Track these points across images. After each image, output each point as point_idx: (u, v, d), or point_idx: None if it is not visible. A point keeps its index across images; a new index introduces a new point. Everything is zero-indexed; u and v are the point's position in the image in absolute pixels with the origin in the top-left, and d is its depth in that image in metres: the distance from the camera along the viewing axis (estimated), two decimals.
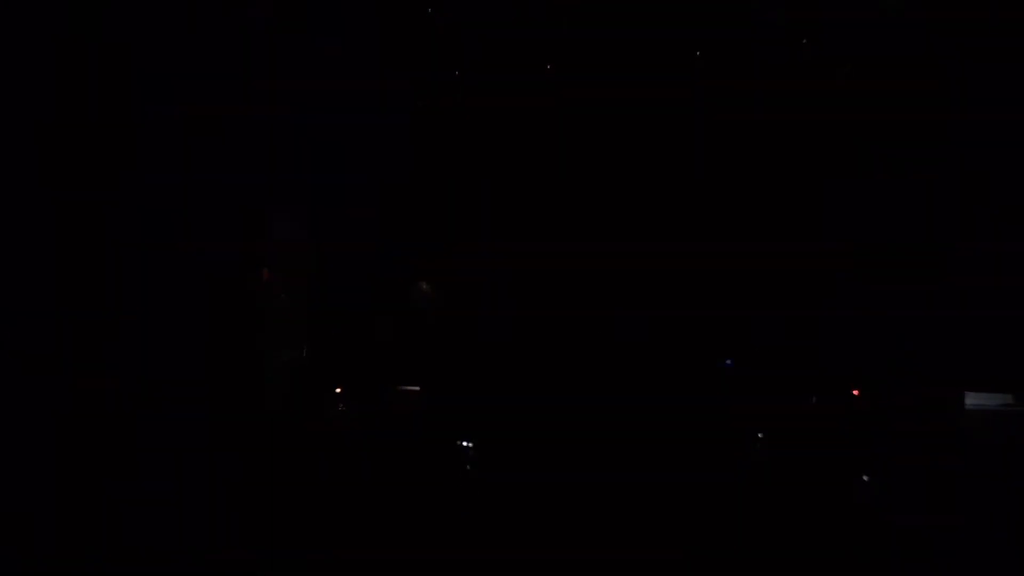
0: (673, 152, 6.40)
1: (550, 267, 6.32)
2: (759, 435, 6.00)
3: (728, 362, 6.19)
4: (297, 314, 6.36)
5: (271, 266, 6.28)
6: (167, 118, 5.89)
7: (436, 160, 6.54)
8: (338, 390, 6.24)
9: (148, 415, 5.72)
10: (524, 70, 6.50)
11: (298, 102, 6.32)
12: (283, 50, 6.33)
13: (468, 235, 6.43)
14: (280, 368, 6.25)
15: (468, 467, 6.11)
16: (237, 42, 6.16)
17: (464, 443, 6.14)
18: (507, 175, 6.49)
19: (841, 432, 5.98)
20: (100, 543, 5.47)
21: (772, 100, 6.28)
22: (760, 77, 6.33)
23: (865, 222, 6.20)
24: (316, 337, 6.40)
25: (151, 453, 5.68)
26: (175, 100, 5.90)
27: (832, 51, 6.30)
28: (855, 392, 6.01)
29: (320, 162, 6.41)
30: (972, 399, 5.92)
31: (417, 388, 6.28)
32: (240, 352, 6.09)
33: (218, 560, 5.61)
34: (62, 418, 5.51)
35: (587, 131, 6.45)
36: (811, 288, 6.18)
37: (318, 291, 6.42)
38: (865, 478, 5.82)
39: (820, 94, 6.26)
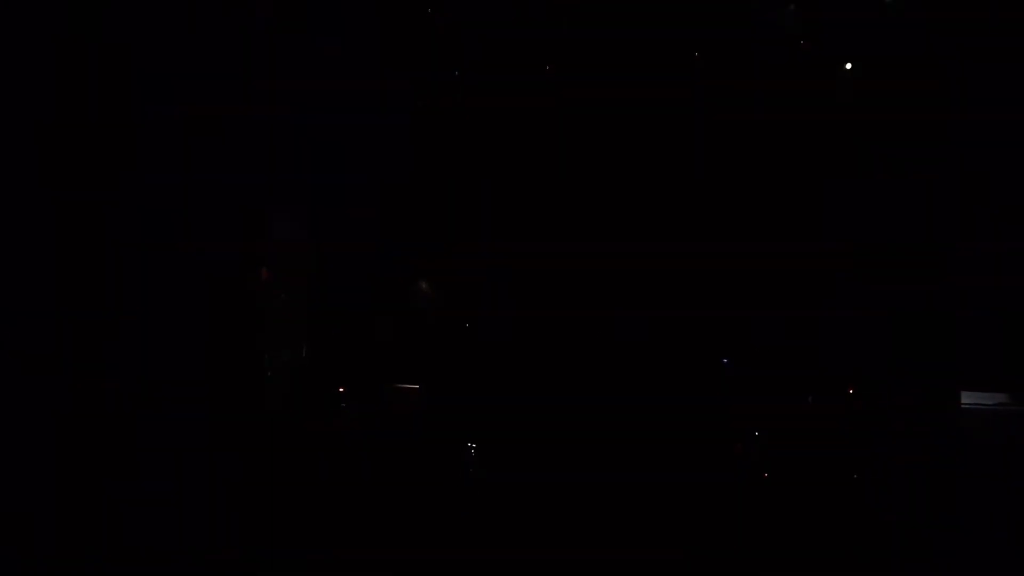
0: (673, 152, 6.40)
1: (550, 267, 6.32)
2: (756, 434, 6.01)
3: (724, 361, 6.20)
4: (297, 314, 6.36)
5: (271, 266, 6.28)
6: (167, 118, 5.89)
7: (436, 160, 6.54)
8: (340, 390, 6.24)
9: (148, 415, 5.72)
10: (524, 70, 6.50)
11: (298, 102, 6.32)
12: (283, 50, 6.33)
13: (468, 235, 6.44)
14: (280, 368, 6.25)
15: (468, 467, 6.11)
16: (237, 42, 6.16)
17: (464, 443, 6.14)
18: (507, 175, 6.49)
19: (840, 432, 5.98)
20: (100, 543, 5.48)
21: (772, 100, 6.28)
22: (760, 77, 6.33)
23: (865, 222, 6.20)
24: (316, 337, 6.40)
25: (151, 453, 5.68)
26: (175, 100, 5.90)
27: (832, 51, 6.30)
28: (850, 391, 6.02)
29: (320, 162, 6.41)
30: (968, 398, 5.93)
31: (416, 386, 6.28)
32: (240, 352, 6.09)
33: (218, 560, 5.61)
34: (62, 418, 5.51)
35: (587, 131, 6.45)
36: (811, 288, 6.18)
37: (318, 291, 6.42)
38: (856, 477, 5.83)
39: (820, 94, 6.25)
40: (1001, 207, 6.11)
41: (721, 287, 6.19)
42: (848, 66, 6.27)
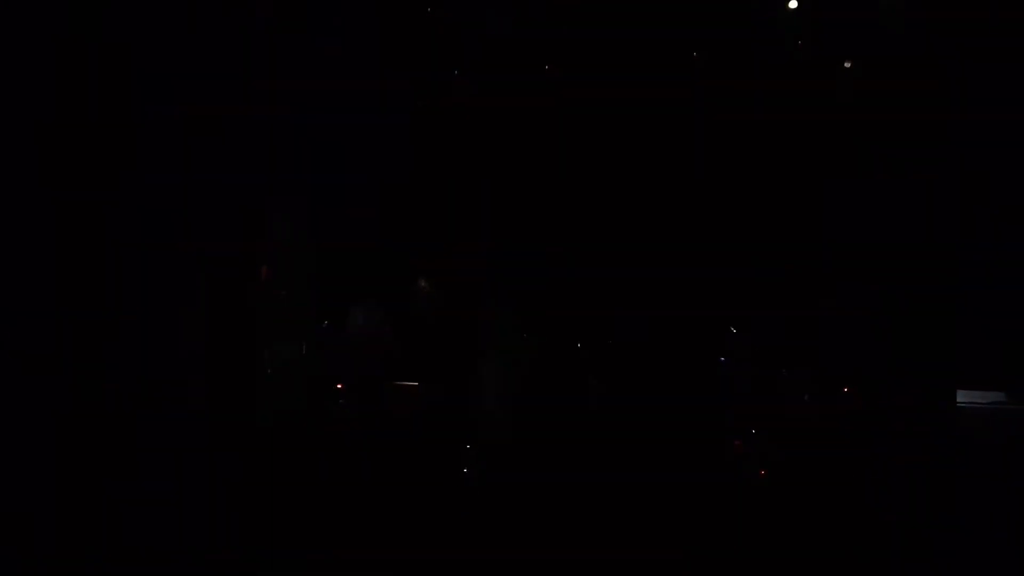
0: (673, 152, 6.40)
1: (550, 266, 6.32)
2: (756, 434, 6.01)
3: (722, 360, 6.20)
4: (297, 313, 6.35)
5: (270, 264, 6.27)
6: (167, 118, 5.88)
7: (436, 160, 6.53)
8: (339, 387, 6.24)
9: (148, 415, 5.72)
10: (524, 70, 6.50)
11: (298, 102, 6.31)
12: (283, 50, 6.32)
13: (468, 235, 6.43)
14: (280, 367, 6.25)
15: (467, 467, 6.11)
16: (237, 42, 6.15)
17: (464, 443, 6.15)
18: (507, 175, 6.49)
19: (840, 432, 5.98)
20: (100, 543, 5.47)
21: (772, 100, 6.28)
22: (760, 77, 6.33)
23: (865, 222, 6.20)
24: (316, 336, 6.39)
25: (151, 453, 5.68)
26: (175, 100, 5.89)
27: (832, 51, 6.30)
28: (847, 390, 6.02)
29: (320, 162, 6.41)
30: (964, 397, 5.94)
31: (414, 384, 6.27)
32: (240, 351, 6.08)
33: (218, 560, 5.61)
34: (62, 418, 5.51)
35: (587, 131, 6.45)
36: (811, 288, 6.18)
37: (318, 290, 6.42)
38: (856, 477, 5.84)
39: (820, 94, 6.25)
40: (1001, 207, 6.11)
41: (721, 287, 6.19)
42: (848, 66, 6.27)
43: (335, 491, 6.00)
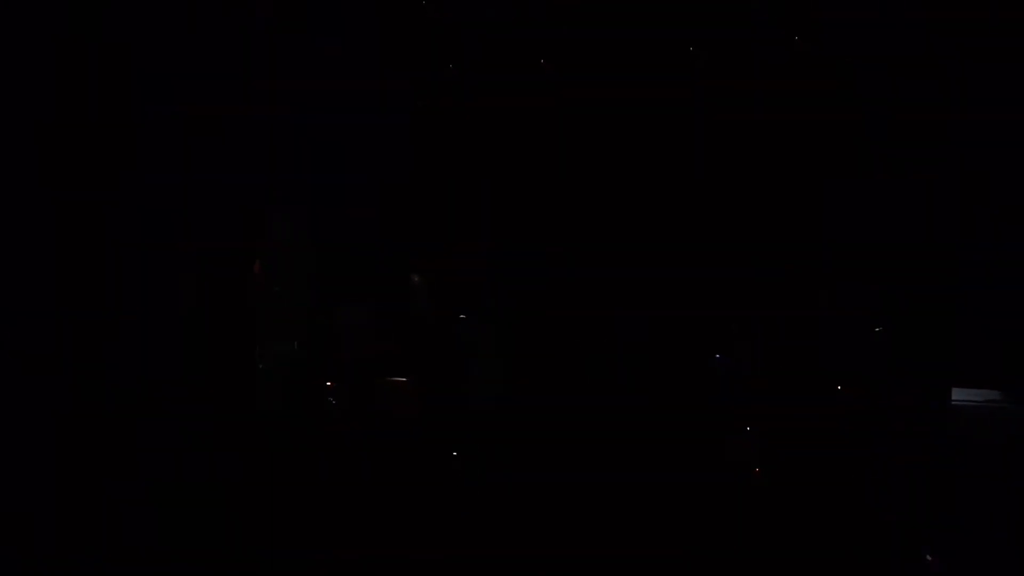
0: (673, 152, 6.40)
1: (549, 267, 6.33)
2: (755, 433, 6.01)
3: (717, 357, 6.20)
4: (296, 312, 6.35)
5: (265, 262, 6.26)
6: (167, 118, 5.89)
7: (436, 160, 6.54)
8: (328, 384, 6.24)
9: (148, 415, 5.72)
10: (524, 70, 6.50)
11: (298, 102, 6.32)
12: (283, 50, 6.33)
13: (468, 235, 6.44)
14: (279, 366, 6.25)
15: (467, 466, 6.12)
16: (237, 42, 6.16)
17: (463, 443, 6.15)
18: (507, 175, 6.49)
19: (839, 432, 5.98)
20: (100, 543, 5.48)
21: (772, 100, 6.28)
22: (760, 77, 6.33)
23: (865, 222, 6.20)
24: (314, 334, 6.39)
25: (151, 453, 5.69)
26: (175, 100, 5.90)
27: (832, 51, 6.30)
28: (844, 391, 6.02)
29: (320, 162, 6.41)
30: (959, 395, 5.94)
31: (407, 380, 6.26)
32: (239, 351, 6.09)
33: (219, 560, 5.61)
34: (62, 418, 5.52)
35: (587, 131, 6.45)
36: (811, 288, 6.18)
37: (317, 289, 6.42)
38: (856, 477, 5.85)
39: (820, 94, 6.25)
40: (1001, 207, 6.11)
41: (721, 287, 6.19)
42: (848, 66, 6.27)
43: (335, 491, 6.00)
